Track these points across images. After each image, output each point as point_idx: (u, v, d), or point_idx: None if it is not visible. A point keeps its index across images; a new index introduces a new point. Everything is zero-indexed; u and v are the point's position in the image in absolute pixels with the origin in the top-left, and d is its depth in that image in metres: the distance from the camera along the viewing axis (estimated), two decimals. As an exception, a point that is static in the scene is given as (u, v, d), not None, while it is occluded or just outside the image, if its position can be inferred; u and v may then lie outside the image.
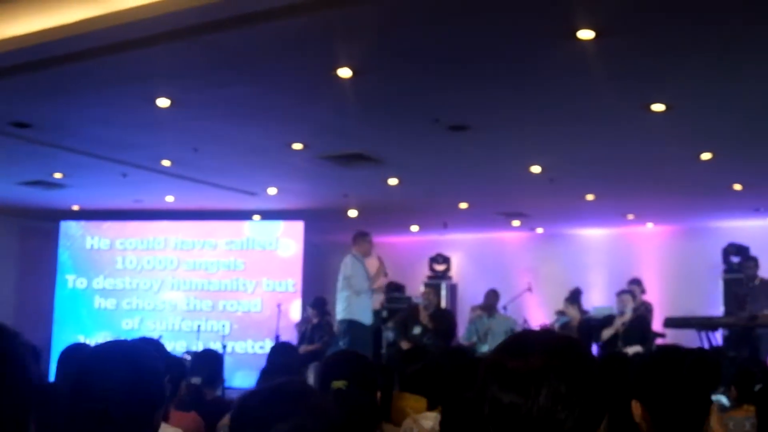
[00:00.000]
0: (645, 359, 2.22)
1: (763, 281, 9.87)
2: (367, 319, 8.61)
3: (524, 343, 1.33)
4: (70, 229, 12.73)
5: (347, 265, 8.69)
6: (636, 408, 2.01)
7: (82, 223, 12.73)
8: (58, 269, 12.63)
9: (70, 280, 12.57)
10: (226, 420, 3.47)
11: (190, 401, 3.77)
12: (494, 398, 1.26)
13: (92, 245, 12.61)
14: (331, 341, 10.61)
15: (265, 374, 4.34)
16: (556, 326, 10.47)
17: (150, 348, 2.08)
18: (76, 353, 3.62)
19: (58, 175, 10.02)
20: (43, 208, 12.15)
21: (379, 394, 3.02)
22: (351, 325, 8.51)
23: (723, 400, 5.96)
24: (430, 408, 3.52)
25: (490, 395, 1.26)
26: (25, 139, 8.06)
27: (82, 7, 5.19)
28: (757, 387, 3.59)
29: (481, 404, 1.28)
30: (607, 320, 9.16)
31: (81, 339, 11.06)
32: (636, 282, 10.55)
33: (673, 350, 2.20)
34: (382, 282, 9.26)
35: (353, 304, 8.56)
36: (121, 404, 1.80)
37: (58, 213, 12.47)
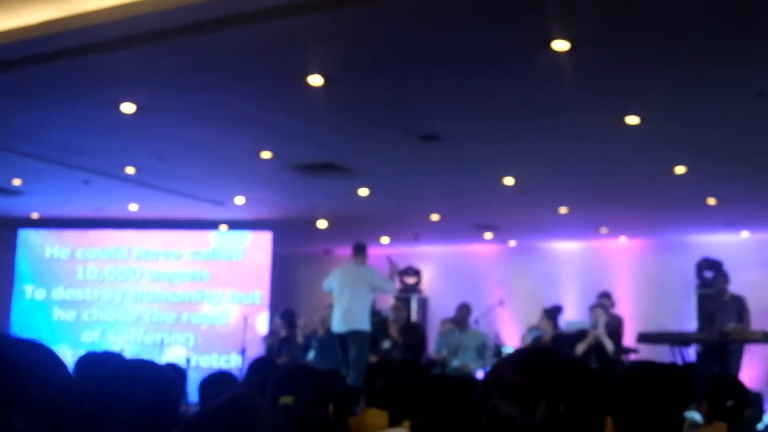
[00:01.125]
0: (617, 375, 2.24)
1: (733, 297, 9.98)
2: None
3: (529, 358, 1.37)
4: (28, 237, 12.57)
5: (368, 270, 8.80)
6: (608, 423, 2.02)
7: (42, 232, 12.58)
8: (15, 279, 12.46)
9: (28, 291, 12.40)
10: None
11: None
12: (493, 409, 1.29)
13: (52, 254, 12.45)
14: (299, 355, 10.57)
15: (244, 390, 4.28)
16: (528, 340, 10.50)
17: (162, 367, 2.09)
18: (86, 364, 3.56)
19: (17, 182, 9.90)
20: (0, 215, 11.99)
21: (331, 407, 3.00)
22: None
23: (696, 416, 6.02)
24: (392, 423, 3.51)
25: (490, 406, 1.29)
26: (-16, 143, 7.97)
27: (44, 8, 5.14)
28: (729, 403, 3.62)
29: (480, 415, 1.31)
30: (581, 335, 9.21)
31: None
32: (605, 295, 10.62)
33: (645, 366, 2.22)
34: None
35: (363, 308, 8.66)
36: (138, 426, 1.81)
37: (17, 221, 12.31)
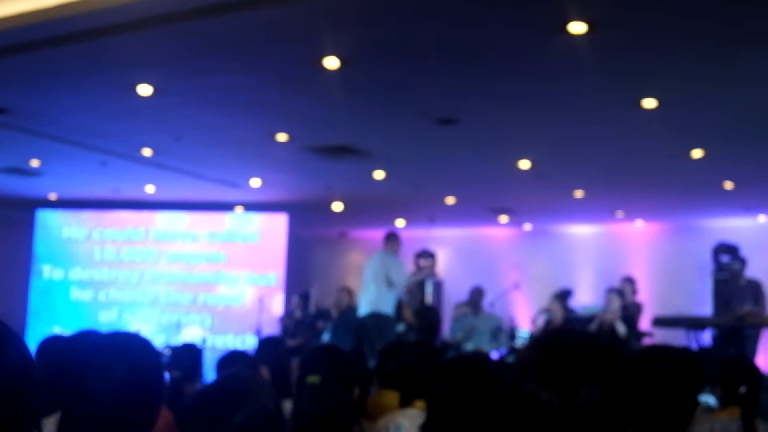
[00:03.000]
0: (630, 359, 2.24)
1: (749, 281, 9.94)
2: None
3: (562, 344, 1.37)
4: (46, 218, 12.66)
5: (390, 262, 8.82)
6: None
7: (60, 212, 12.67)
8: (33, 259, 12.57)
9: (46, 271, 12.51)
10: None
11: (168, 395, 3.76)
12: (531, 394, 1.29)
13: (69, 235, 12.55)
14: (314, 337, 10.64)
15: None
16: (539, 323, 10.52)
17: (147, 341, 1.94)
18: (53, 346, 3.60)
19: (35, 163, 9.96)
20: (18, 196, 12.07)
21: (357, 390, 3.02)
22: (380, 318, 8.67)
23: (711, 400, 6.02)
24: (403, 404, 3.54)
25: (528, 391, 1.30)
26: (2, 125, 8.01)
27: (62, -10, 5.16)
28: (742, 389, 3.61)
29: (514, 399, 1.31)
30: (591, 319, 9.23)
31: (56, 331, 11.02)
32: (628, 280, 10.60)
33: (658, 350, 2.22)
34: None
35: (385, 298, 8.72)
36: (116, 406, 1.72)
37: (35, 201, 12.40)
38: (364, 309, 8.66)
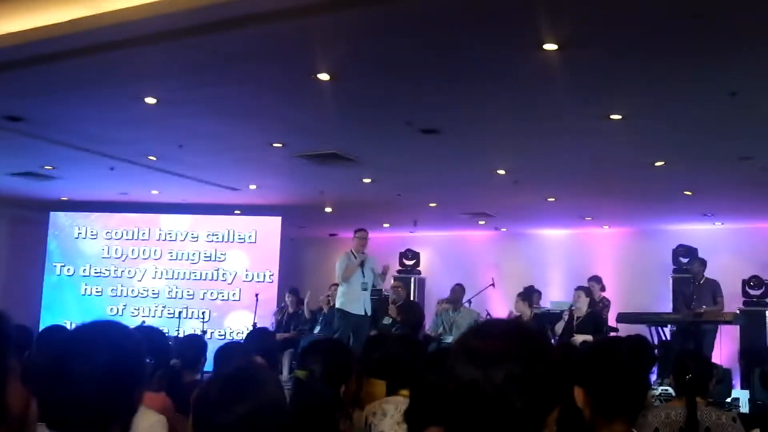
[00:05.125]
0: (589, 349, 2.26)
1: (707, 280, 10.00)
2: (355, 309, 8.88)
3: (489, 327, 1.37)
4: (58, 219, 12.62)
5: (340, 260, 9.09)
6: (578, 394, 2.05)
7: (71, 214, 12.63)
8: (46, 257, 12.52)
9: (57, 268, 12.47)
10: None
11: (167, 382, 3.74)
12: (457, 375, 1.29)
13: (80, 235, 12.51)
14: (305, 330, 10.63)
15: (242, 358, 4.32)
16: (512, 320, 10.54)
17: (128, 328, 1.92)
18: (52, 335, 3.59)
19: (48, 168, 9.92)
20: (33, 198, 12.02)
21: (353, 383, 2.99)
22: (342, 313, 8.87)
23: (670, 390, 6.05)
24: (389, 392, 3.53)
25: (454, 372, 1.29)
26: (18, 132, 7.97)
27: (74, 7, 5.14)
28: (688, 377, 3.62)
29: (447, 383, 1.30)
30: (560, 315, 9.25)
31: (66, 324, 10.96)
32: (596, 279, 10.65)
33: (611, 339, 2.25)
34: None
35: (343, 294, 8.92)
36: (96, 387, 1.67)
37: (48, 203, 12.34)
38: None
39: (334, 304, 9.41)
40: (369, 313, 9.06)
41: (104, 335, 1.81)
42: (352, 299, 8.89)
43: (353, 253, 9.07)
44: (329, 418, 2.63)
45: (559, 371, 1.32)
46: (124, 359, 1.76)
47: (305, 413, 2.49)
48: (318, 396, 2.60)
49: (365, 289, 8.99)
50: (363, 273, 8.99)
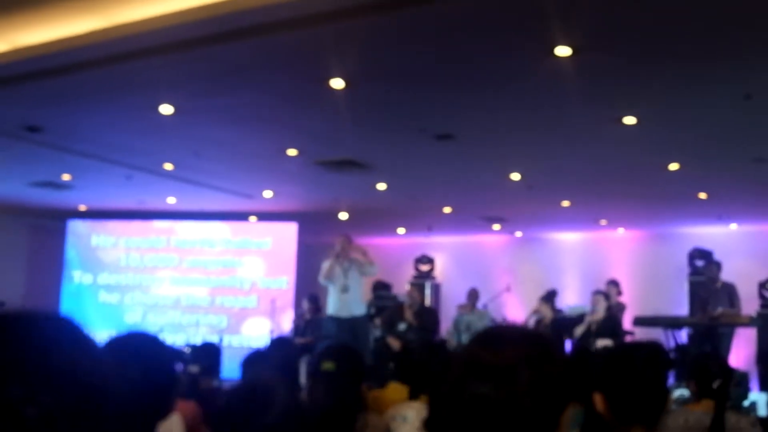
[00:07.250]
0: (606, 355, 2.26)
1: (724, 284, 9.93)
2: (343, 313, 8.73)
3: (496, 336, 1.36)
4: (77, 227, 12.67)
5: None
6: (598, 400, 2.04)
7: (89, 222, 12.67)
8: (65, 265, 12.57)
9: (76, 276, 12.51)
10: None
11: (185, 389, 3.76)
12: (468, 389, 1.27)
13: (98, 243, 12.55)
14: (322, 336, 10.63)
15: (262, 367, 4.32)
16: (530, 323, 10.53)
17: (157, 341, 1.96)
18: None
19: (66, 177, 9.98)
20: (51, 207, 12.09)
21: (366, 384, 3.03)
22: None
23: (685, 393, 6.01)
24: (412, 397, 3.53)
25: (464, 386, 1.28)
26: (37, 142, 8.03)
27: (91, 19, 5.19)
28: (716, 383, 3.59)
29: (456, 395, 1.29)
30: (580, 318, 9.21)
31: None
32: (613, 283, 10.60)
33: (629, 345, 2.23)
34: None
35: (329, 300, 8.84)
36: (131, 399, 1.71)
37: (66, 212, 12.41)
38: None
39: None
40: (363, 314, 8.87)
41: (137, 348, 1.86)
42: (333, 303, 8.77)
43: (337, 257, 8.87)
44: (354, 415, 2.67)
45: (569, 371, 1.31)
46: (157, 369, 1.79)
47: (335, 408, 2.52)
48: (346, 390, 2.65)
49: (345, 291, 8.74)
50: (344, 275, 8.75)
